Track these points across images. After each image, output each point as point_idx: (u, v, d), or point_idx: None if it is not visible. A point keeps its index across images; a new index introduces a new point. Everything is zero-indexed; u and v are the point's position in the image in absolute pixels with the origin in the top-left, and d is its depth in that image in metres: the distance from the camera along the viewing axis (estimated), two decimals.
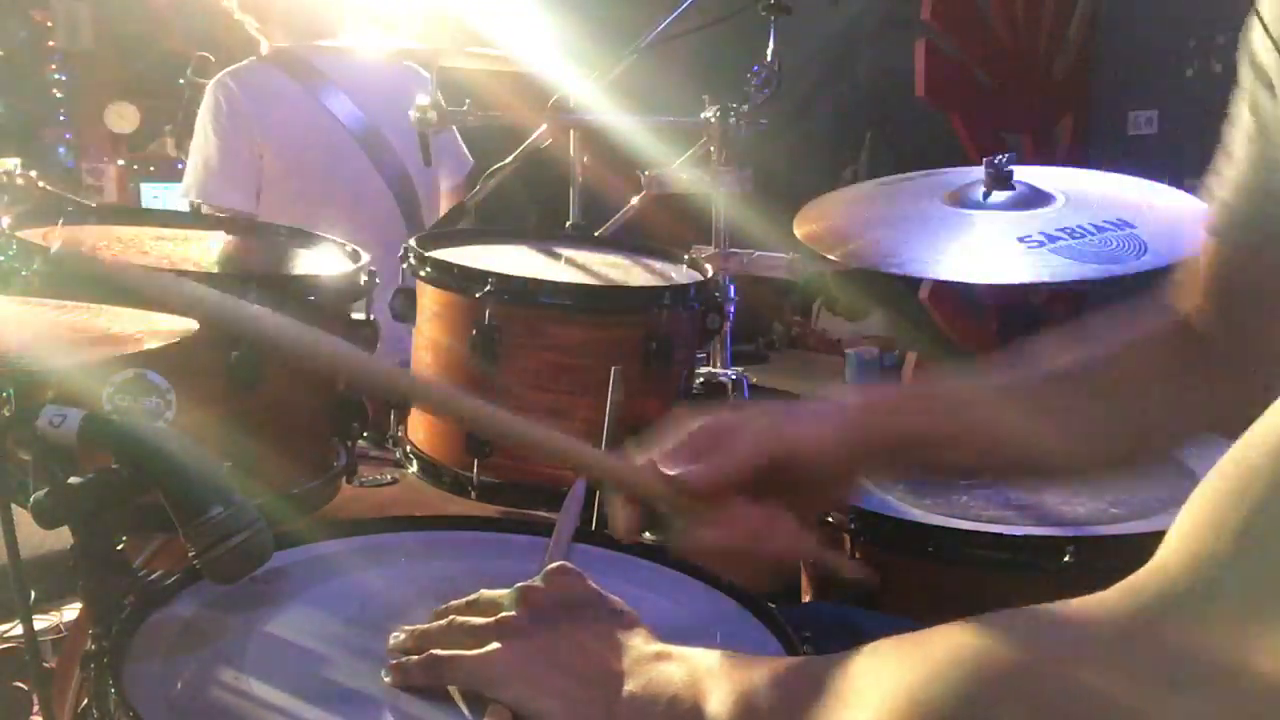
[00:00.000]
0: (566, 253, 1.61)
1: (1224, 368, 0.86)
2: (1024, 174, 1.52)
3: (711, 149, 1.66)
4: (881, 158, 4.18)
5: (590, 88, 1.80)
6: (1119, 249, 1.34)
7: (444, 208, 2.68)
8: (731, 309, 1.56)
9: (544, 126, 1.83)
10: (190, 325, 0.92)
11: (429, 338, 1.41)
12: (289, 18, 2.54)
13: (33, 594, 0.90)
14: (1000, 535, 1.23)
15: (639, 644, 0.76)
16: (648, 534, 1.17)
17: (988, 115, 3.47)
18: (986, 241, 1.42)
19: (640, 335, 1.34)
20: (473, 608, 0.83)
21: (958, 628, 0.54)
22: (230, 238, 1.54)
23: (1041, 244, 1.37)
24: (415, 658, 0.80)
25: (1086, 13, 3.64)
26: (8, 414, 0.81)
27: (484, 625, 0.79)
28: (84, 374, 1.01)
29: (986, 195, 1.49)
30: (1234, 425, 0.46)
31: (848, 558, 0.94)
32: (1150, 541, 0.48)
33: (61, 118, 5.50)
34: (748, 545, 0.85)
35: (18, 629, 1.28)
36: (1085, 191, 1.51)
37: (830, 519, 1.23)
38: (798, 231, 1.51)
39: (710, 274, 1.52)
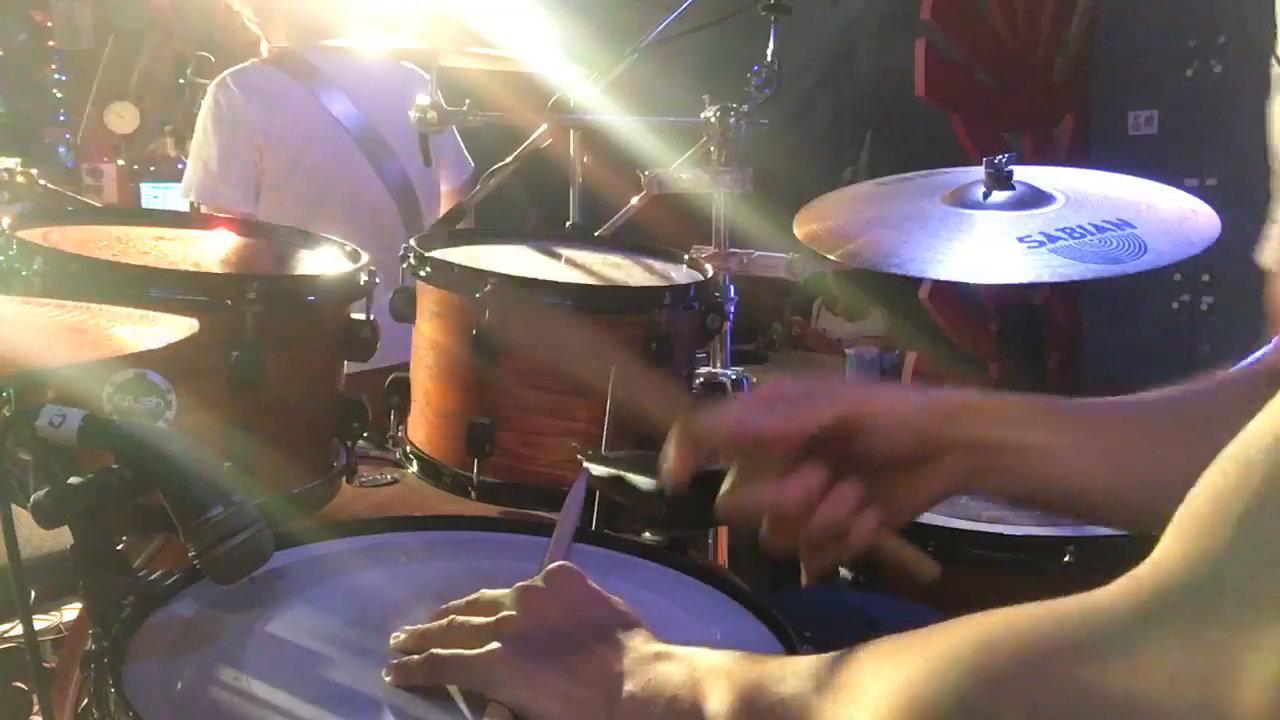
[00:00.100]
0: (566, 253, 1.61)
1: None
2: (1024, 174, 1.51)
3: (711, 149, 1.66)
4: (881, 158, 4.18)
5: (590, 88, 1.80)
6: (1119, 249, 1.34)
7: (445, 210, 2.68)
8: (731, 309, 1.56)
9: (544, 126, 1.83)
10: (191, 326, 0.92)
11: (429, 338, 1.41)
12: (292, 17, 2.55)
13: (33, 594, 0.90)
14: (1000, 535, 1.23)
15: (639, 644, 0.76)
16: (648, 534, 1.18)
17: (988, 115, 3.47)
18: (986, 241, 1.42)
19: (640, 335, 1.34)
20: (473, 607, 0.83)
21: (957, 625, 0.54)
22: (230, 238, 1.54)
23: (1041, 244, 1.37)
24: (415, 657, 0.80)
25: (1086, 13, 3.64)
26: (8, 414, 0.81)
27: (484, 625, 0.79)
28: (84, 374, 1.01)
29: (986, 195, 1.49)
30: None
31: (916, 548, 0.84)
32: (1151, 542, 0.48)
33: (61, 118, 5.50)
34: (799, 510, 0.79)
35: (18, 629, 1.28)
36: (1085, 191, 1.51)
37: None
38: (798, 231, 1.51)
39: (710, 274, 1.52)
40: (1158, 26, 3.49)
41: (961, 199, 1.50)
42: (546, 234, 1.71)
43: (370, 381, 1.46)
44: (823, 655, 0.64)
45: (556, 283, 1.39)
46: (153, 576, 0.94)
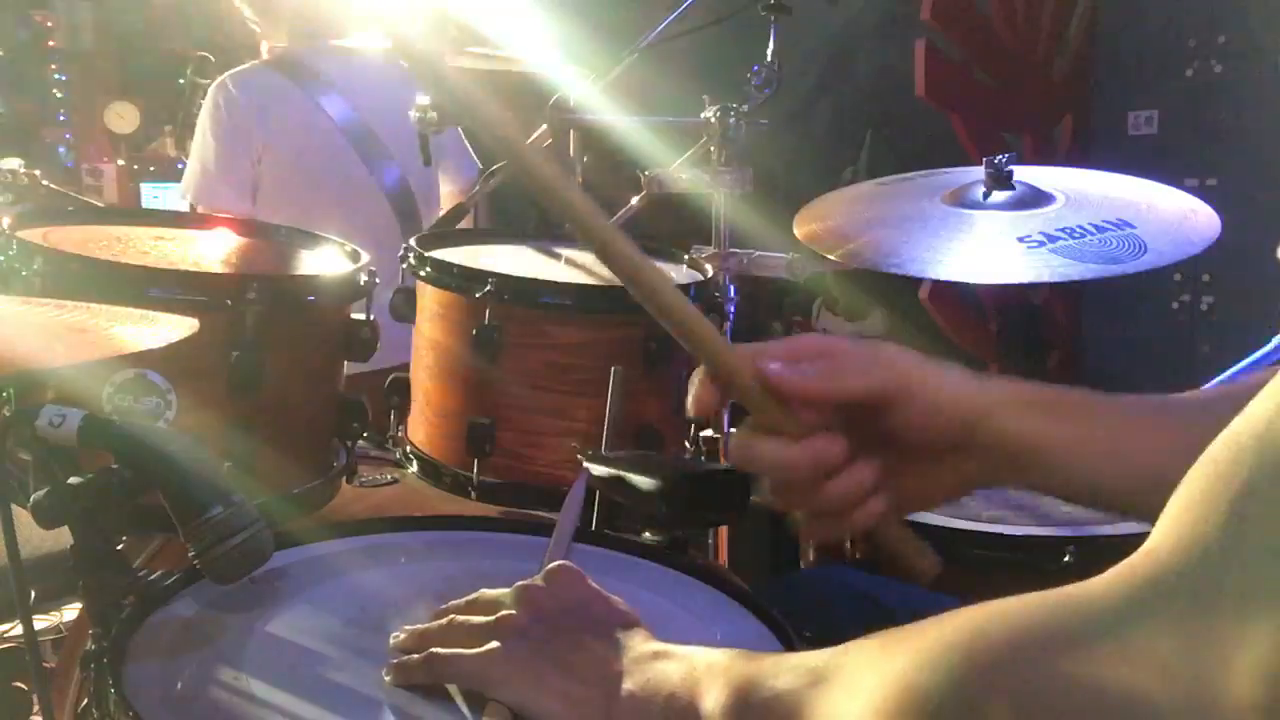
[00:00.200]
0: (566, 253, 1.61)
1: None
2: (1024, 174, 1.52)
3: (711, 149, 1.65)
4: (881, 158, 4.18)
5: (590, 88, 1.80)
6: (1119, 249, 1.34)
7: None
8: (731, 309, 1.56)
9: (544, 126, 1.83)
10: (191, 326, 0.92)
11: (429, 338, 1.41)
12: (292, 17, 2.55)
13: (33, 594, 0.90)
14: (1000, 535, 1.23)
15: (637, 643, 0.76)
16: (648, 534, 1.18)
17: (988, 115, 3.47)
18: (986, 241, 1.42)
19: (640, 335, 1.34)
20: (473, 607, 0.83)
21: (950, 616, 0.54)
22: (230, 238, 1.54)
23: (1041, 244, 1.37)
24: (415, 656, 0.80)
25: (1086, 13, 3.64)
26: (8, 414, 0.81)
27: (483, 624, 0.79)
28: (84, 374, 1.01)
29: (986, 195, 1.49)
30: None
31: (921, 541, 0.81)
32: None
33: (61, 118, 5.50)
34: (810, 478, 0.75)
35: (18, 629, 1.28)
36: (1085, 191, 1.51)
37: None
38: (798, 231, 1.51)
39: (710, 274, 1.52)
40: (1158, 26, 3.49)
41: (961, 199, 1.50)
42: (546, 234, 1.71)
43: (370, 382, 1.46)
44: (817, 650, 0.65)
45: (556, 283, 1.39)
46: (153, 576, 0.94)
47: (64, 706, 1.15)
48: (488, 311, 1.30)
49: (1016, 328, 3.49)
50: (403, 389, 1.45)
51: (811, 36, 4.30)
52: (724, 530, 1.73)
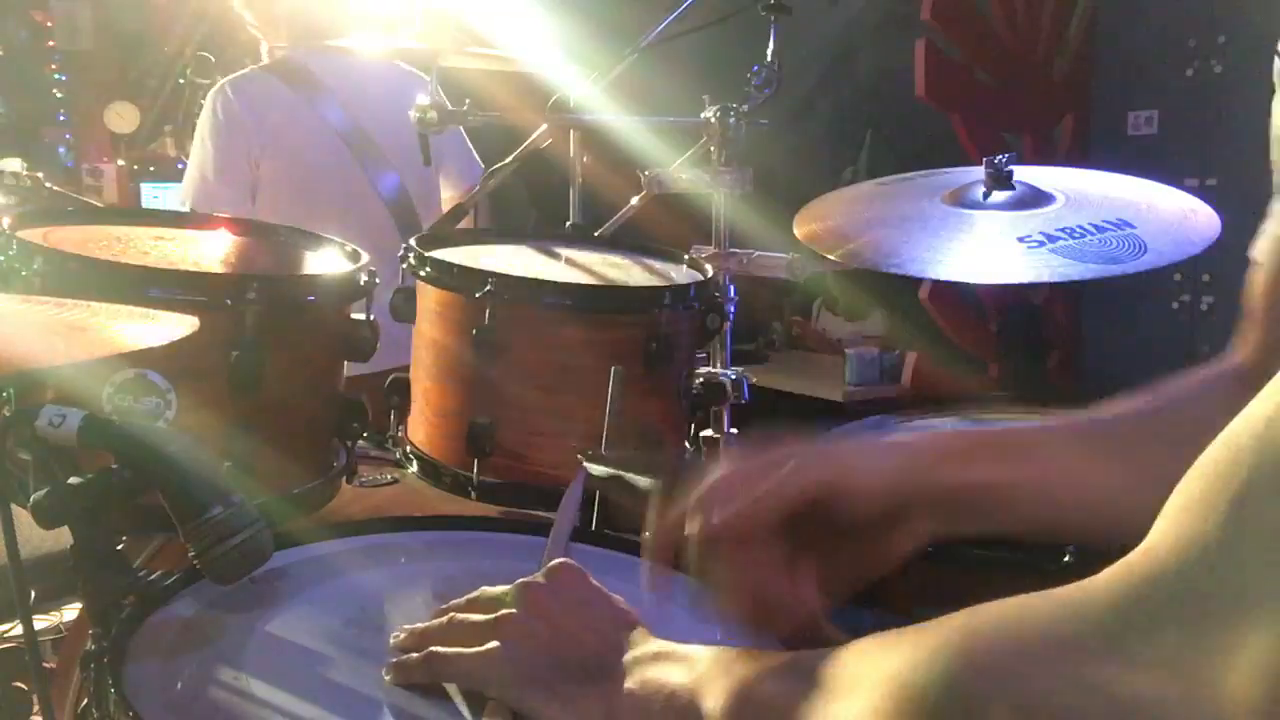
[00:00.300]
0: (566, 253, 1.61)
1: None
2: (1024, 174, 1.51)
3: (711, 149, 1.65)
4: (881, 158, 4.18)
5: (590, 88, 1.80)
6: (1119, 249, 1.34)
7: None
8: (731, 309, 1.56)
9: (544, 126, 1.83)
10: (191, 325, 0.92)
11: (429, 338, 1.41)
12: (293, 19, 2.55)
13: (33, 594, 0.90)
14: (1000, 535, 1.23)
15: (638, 643, 0.76)
16: (648, 534, 1.17)
17: (988, 115, 3.48)
18: (986, 241, 1.42)
19: (640, 335, 1.34)
20: (473, 605, 0.83)
21: (950, 618, 0.54)
22: (231, 238, 1.54)
23: (1041, 244, 1.37)
24: (415, 655, 0.80)
25: (1086, 13, 3.64)
26: (8, 414, 0.81)
27: (484, 623, 0.79)
28: (84, 374, 1.01)
29: (986, 195, 1.49)
30: None
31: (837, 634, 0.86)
32: None
33: (61, 118, 5.50)
34: (754, 588, 0.79)
35: (18, 629, 1.28)
36: (1085, 191, 1.50)
37: None
38: (798, 231, 1.51)
39: (710, 274, 1.52)
40: (1158, 26, 3.49)
41: (961, 199, 1.50)
42: (546, 234, 1.71)
43: (370, 382, 1.46)
44: (818, 650, 0.65)
45: (556, 283, 1.39)
46: (153, 576, 0.94)
47: (64, 706, 1.15)
48: (488, 311, 1.30)
49: (1016, 328, 3.49)
50: (403, 389, 1.45)
51: (811, 36, 4.30)
52: None
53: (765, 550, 0.79)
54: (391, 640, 0.84)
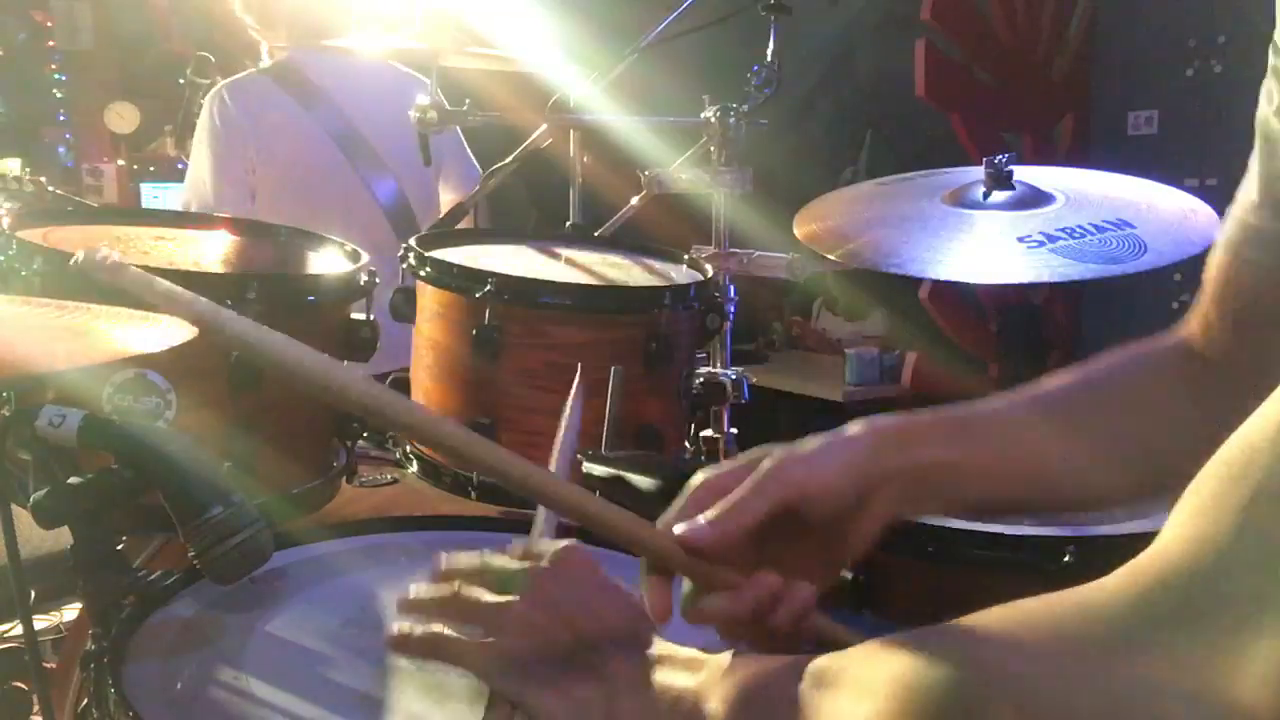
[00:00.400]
0: (566, 253, 1.61)
1: (1234, 391, 0.86)
2: (1024, 174, 1.51)
3: (711, 149, 1.65)
4: (881, 158, 4.18)
5: (590, 88, 1.80)
6: (1119, 249, 1.34)
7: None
8: (731, 309, 1.56)
9: (544, 126, 1.83)
10: (191, 330, 0.91)
11: (429, 338, 1.41)
12: (293, 19, 2.54)
13: (33, 594, 0.90)
14: (1000, 535, 1.23)
15: (643, 643, 0.76)
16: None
17: (988, 115, 3.47)
18: (986, 241, 1.42)
19: (640, 335, 1.34)
20: (481, 577, 0.80)
21: (955, 622, 0.54)
22: (230, 238, 1.54)
23: (1041, 244, 1.37)
24: (419, 632, 0.78)
25: (1086, 12, 3.64)
26: (8, 414, 0.81)
27: (488, 608, 0.77)
28: (84, 374, 1.01)
29: (986, 195, 1.49)
30: None
31: (844, 629, 0.86)
32: (1150, 541, 0.48)
33: (61, 118, 5.50)
34: (753, 615, 0.78)
35: (18, 629, 1.28)
36: (1085, 191, 1.50)
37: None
38: (798, 231, 1.51)
39: (710, 274, 1.52)
40: (1158, 26, 3.49)
41: (961, 199, 1.50)
42: (546, 234, 1.71)
43: None
44: (822, 655, 0.64)
45: (556, 283, 1.39)
46: (153, 576, 0.94)
47: (64, 706, 1.15)
48: (488, 311, 1.30)
49: (1016, 328, 3.49)
50: (403, 389, 1.45)
51: (811, 36, 4.30)
52: None
53: (746, 554, 0.79)
54: (399, 602, 0.80)
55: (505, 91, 2.13)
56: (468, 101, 1.89)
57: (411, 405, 1.07)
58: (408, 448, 1.44)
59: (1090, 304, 3.63)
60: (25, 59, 5.42)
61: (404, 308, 1.43)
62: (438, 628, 0.77)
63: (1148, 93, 3.54)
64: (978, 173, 1.52)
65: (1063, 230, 1.38)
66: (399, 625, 0.79)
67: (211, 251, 1.46)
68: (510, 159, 1.92)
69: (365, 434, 1.41)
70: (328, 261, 1.46)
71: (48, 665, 1.38)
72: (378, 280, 1.37)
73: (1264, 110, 0.79)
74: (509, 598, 0.77)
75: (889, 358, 3.75)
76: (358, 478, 1.44)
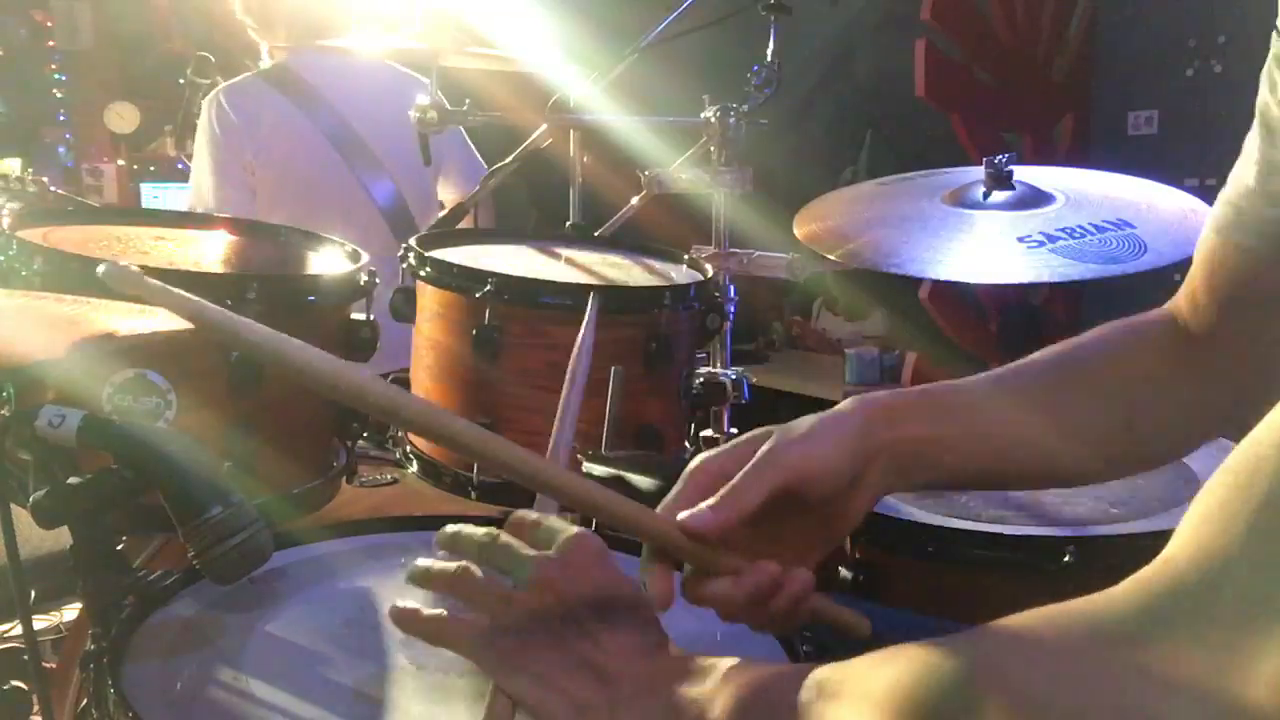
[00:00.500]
0: (566, 253, 1.60)
1: (1220, 367, 0.87)
2: (1024, 174, 1.51)
3: (711, 149, 1.65)
4: (881, 158, 4.18)
5: (590, 88, 1.80)
6: (1119, 249, 1.34)
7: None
8: (731, 309, 1.56)
9: (544, 126, 1.83)
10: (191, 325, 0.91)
11: (429, 338, 1.41)
12: (292, 19, 2.54)
13: (33, 594, 0.90)
14: (1000, 535, 1.23)
15: (647, 645, 0.76)
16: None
17: (988, 115, 3.47)
18: (986, 241, 1.42)
19: (640, 335, 1.34)
20: (490, 555, 0.79)
21: (960, 633, 0.54)
22: (231, 238, 1.54)
23: (1041, 244, 1.37)
24: (424, 613, 0.77)
25: (1086, 13, 3.64)
26: (8, 414, 0.81)
27: (495, 595, 0.76)
28: (84, 374, 1.01)
29: (986, 195, 1.49)
30: (1236, 427, 0.45)
31: (845, 608, 0.87)
32: (1151, 541, 0.48)
33: (61, 118, 5.50)
34: (758, 598, 0.80)
35: (18, 629, 1.28)
36: (1085, 191, 1.51)
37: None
38: (798, 231, 1.51)
39: (710, 274, 1.52)
40: (1158, 26, 3.49)
41: (961, 199, 1.50)
42: (546, 234, 1.71)
43: None
44: (825, 665, 0.64)
45: (556, 283, 1.39)
46: (153, 576, 0.94)
47: (64, 706, 1.15)
48: (488, 311, 1.30)
49: (1016, 328, 3.48)
50: (403, 389, 1.45)
51: (811, 36, 4.30)
52: None
53: (744, 534, 0.80)
54: (408, 570, 0.80)
55: (505, 91, 2.13)
56: (468, 101, 1.89)
57: (425, 403, 1.06)
58: (408, 448, 1.44)
59: (1090, 304, 3.63)
60: (25, 59, 5.42)
61: (404, 308, 1.43)
62: (442, 610, 0.76)
63: (1148, 93, 3.54)
64: (978, 173, 1.52)
65: (1063, 230, 1.38)
66: (404, 602, 0.78)
67: (211, 251, 1.46)
68: (510, 159, 1.92)
69: (365, 434, 1.41)
70: (328, 261, 1.46)
71: (47, 665, 1.39)
72: (378, 280, 1.37)
73: (1264, 96, 0.79)
74: (516, 591, 0.76)
75: (889, 358, 3.75)
76: (358, 478, 1.44)
